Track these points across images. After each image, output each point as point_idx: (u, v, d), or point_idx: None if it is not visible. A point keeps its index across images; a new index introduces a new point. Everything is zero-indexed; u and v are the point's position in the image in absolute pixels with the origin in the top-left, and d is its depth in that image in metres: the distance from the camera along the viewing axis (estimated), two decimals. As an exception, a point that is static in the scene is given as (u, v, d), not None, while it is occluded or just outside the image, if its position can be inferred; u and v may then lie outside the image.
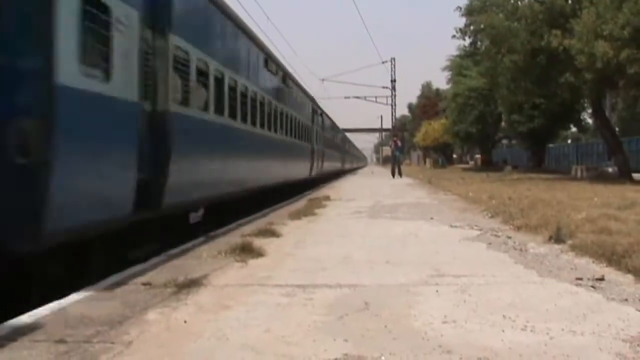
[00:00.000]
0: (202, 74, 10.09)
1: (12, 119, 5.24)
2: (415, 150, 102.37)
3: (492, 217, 11.56)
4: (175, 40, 8.53)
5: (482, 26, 27.23)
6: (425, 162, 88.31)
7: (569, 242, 7.67)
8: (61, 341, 3.89)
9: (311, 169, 27.04)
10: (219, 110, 11.18)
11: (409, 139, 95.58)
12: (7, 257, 5.46)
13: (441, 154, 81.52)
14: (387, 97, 77.48)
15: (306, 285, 5.55)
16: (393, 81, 76.74)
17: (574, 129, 56.81)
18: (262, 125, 15.43)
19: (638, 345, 3.75)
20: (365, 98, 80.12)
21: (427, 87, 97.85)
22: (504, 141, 69.81)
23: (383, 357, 3.55)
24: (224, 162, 11.71)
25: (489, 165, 56.03)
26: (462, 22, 29.82)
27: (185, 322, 4.35)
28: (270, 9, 41.24)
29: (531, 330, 4.05)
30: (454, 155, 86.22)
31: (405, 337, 3.96)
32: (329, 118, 39.00)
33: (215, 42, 11.42)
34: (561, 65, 24.36)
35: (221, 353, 3.68)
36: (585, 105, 38.25)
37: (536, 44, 24.57)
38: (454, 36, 30.11)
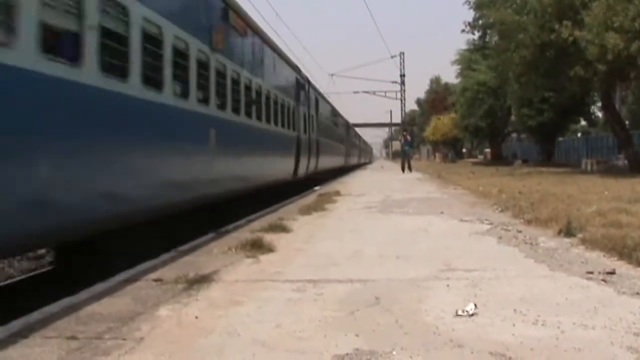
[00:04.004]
0: (328, 126, 32.76)
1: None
2: (425, 145, 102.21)
3: (502, 211, 11.52)
4: (321, 118, 28.92)
5: (491, 20, 27.14)
6: (435, 156, 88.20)
7: (580, 235, 7.64)
8: (73, 337, 3.91)
9: (345, 161, 45.40)
10: (327, 136, 30.77)
11: (418, 133, 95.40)
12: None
13: (451, 149, 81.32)
14: (396, 91, 77.07)
15: (317, 280, 5.55)
16: (402, 76, 76.32)
17: (583, 123, 56.57)
18: (333, 139, 35.58)
19: (650, 338, 3.74)
20: (374, 93, 79.84)
21: (435, 82, 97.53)
22: (514, 135, 69.55)
23: (394, 352, 3.55)
24: (334, 156, 35.37)
25: (498, 159, 55.92)
26: (471, 15, 29.72)
27: (196, 317, 4.36)
28: (279, 5, 41.24)
29: (542, 325, 4.04)
30: (464, 150, 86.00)
31: (416, 331, 3.95)
32: (351, 127, 58.81)
33: (326, 116, 32.05)
34: (571, 58, 24.24)
35: (232, 348, 3.69)
36: (595, 98, 38.13)
37: (545, 38, 24.46)
38: (463, 31, 30.05)
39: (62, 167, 5.95)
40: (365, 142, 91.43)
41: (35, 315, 4.46)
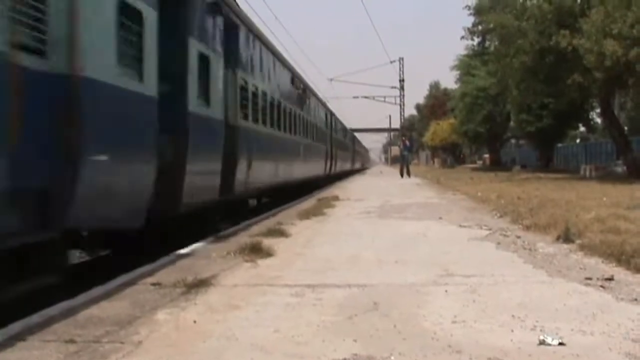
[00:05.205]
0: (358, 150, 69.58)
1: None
2: (424, 150, 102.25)
3: (500, 216, 11.53)
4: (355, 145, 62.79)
5: (491, 25, 27.20)
6: (433, 161, 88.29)
7: (578, 241, 7.64)
8: (71, 341, 3.90)
9: (361, 164, 62.84)
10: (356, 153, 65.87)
11: (417, 138, 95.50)
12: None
13: (450, 154, 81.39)
14: (395, 97, 77.35)
15: (315, 285, 5.55)
16: (402, 81, 76.55)
17: (582, 129, 56.56)
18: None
19: (648, 345, 3.74)
20: (373, 98, 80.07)
21: (435, 87, 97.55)
22: (513, 141, 69.60)
23: (392, 357, 3.54)
24: (359, 162, 70.69)
25: (497, 164, 55.92)
26: (470, 21, 29.80)
27: (194, 322, 4.36)
28: (278, 8, 41.32)
29: (541, 330, 4.03)
30: (462, 155, 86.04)
31: (414, 337, 3.95)
32: (354, 135, 69.02)
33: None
34: (570, 64, 24.26)
35: (230, 353, 3.69)
36: (594, 104, 38.14)
37: (545, 44, 24.49)
38: (462, 37, 30.13)
39: None
40: (365, 149, 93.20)
41: (34, 319, 4.45)
